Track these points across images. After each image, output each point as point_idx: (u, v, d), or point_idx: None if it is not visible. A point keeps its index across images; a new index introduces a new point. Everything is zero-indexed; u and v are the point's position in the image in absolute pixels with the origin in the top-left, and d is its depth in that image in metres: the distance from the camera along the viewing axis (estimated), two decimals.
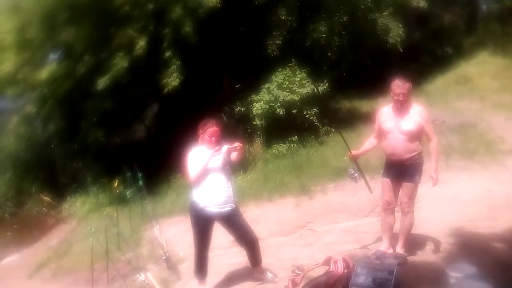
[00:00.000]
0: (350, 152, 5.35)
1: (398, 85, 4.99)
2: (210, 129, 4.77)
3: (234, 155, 4.91)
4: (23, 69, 11.17)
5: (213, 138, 4.77)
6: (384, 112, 5.22)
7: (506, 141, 10.05)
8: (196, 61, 12.72)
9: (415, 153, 5.04)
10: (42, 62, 11.79)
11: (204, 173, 4.72)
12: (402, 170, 5.09)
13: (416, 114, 5.02)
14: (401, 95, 4.95)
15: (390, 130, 5.08)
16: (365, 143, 5.46)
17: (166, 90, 10.65)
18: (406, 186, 5.14)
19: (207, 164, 4.69)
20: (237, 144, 4.86)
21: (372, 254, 5.44)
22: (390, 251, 5.38)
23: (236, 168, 5.19)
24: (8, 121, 14.67)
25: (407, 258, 5.28)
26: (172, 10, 10.44)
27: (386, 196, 5.33)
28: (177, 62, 10.63)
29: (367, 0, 13.01)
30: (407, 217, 5.26)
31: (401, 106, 5.02)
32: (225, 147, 4.81)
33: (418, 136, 5.04)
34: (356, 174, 5.37)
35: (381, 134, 5.24)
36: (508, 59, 17.32)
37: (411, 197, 5.20)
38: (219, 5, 10.67)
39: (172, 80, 10.51)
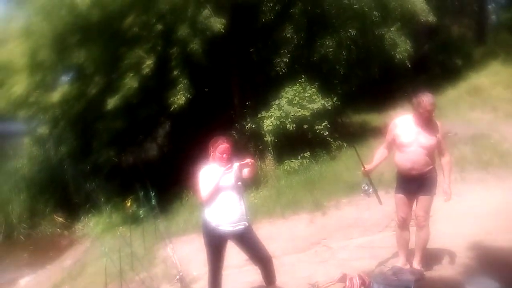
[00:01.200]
0: (364, 168, 5.29)
1: (429, 100, 4.91)
2: (221, 146, 4.73)
3: (246, 172, 4.86)
4: (35, 92, 11.30)
5: (225, 155, 4.72)
6: (400, 125, 5.13)
7: None
8: (206, 79, 12.83)
9: (431, 167, 5.02)
10: (54, 84, 11.96)
11: (216, 192, 4.68)
12: (420, 184, 5.04)
13: (435, 129, 5.00)
14: (430, 111, 4.90)
15: (410, 144, 5.00)
16: (376, 155, 5.37)
17: (172, 108, 10.77)
18: (423, 200, 5.08)
19: (218, 183, 4.65)
20: (248, 160, 4.82)
21: (389, 270, 5.35)
22: (407, 266, 5.30)
23: (248, 185, 5.14)
24: (21, 143, 14.86)
25: (424, 273, 5.19)
26: (180, 29, 10.58)
27: (402, 213, 5.25)
28: (184, 81, 10.77)
29: (374, 14, 13.03)
30: (423, 232, 5.19)
31: (428, 121, 4.97)
32: (236, 164, 4.79)
33: (434, 151, 5.03)
34: (370, 190, 5.31)
35: (395, 147, 5.17)
36: None
37: (428, 210, 5.14)
38: (223, 31, 10.81)
39: (179, 98, 10.62)
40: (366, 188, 5.32)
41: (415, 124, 5.02)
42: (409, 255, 5.35)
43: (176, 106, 10.69)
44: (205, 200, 4.75)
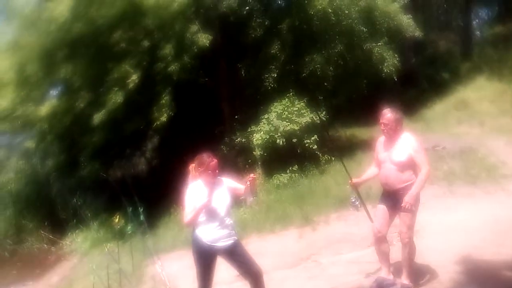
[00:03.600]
0: (351, 180, 5.32)
1: (383, 115, 5.00)
2: (212, 163, 4.64)
3: (246, 189, 4.77)
4: (22, 105, 11.23)
5: (212, 172, 4.65)
6: (380, 142, 5.22)
7: (508, 165, 10.01)
8: (194, 93, 12.85)
9: (408, 183, 4.95)
10: (42, 98, 11.88)
11: (199, 215, 4.57)
12: (396, 201, 5.02)
13: (406, 144, 4.97)
14: (384, 125, 4.98)
15: (384, 161, 5.08)
16: (367, 172, 5.42)
17: (155, 125, 10.83)
18: (403, 216, 5.04)
19: (203, 207, 4.53)
20: (251, 176, 4.76)
21: (374, 282, 5.36)
22: (391, 277, 5.31)
23: (237, 200, 5.11)
24: (7, 157, 14.71)
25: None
26: (165, 47, 10.64)
27: (377, 224, 5.24)
28: (166, 97, 10.81)
29: (362, 30, 13.17)
30: (407, 248, 5.17)
31: (389, 136, 5.03)
32: (226, 180, 4.76)
33: (410, 166, 4.97)
34: (357, 203, 5.33)
35: (378, 164, 5.24)
36: (505, 83, 17.45)
37: (410, 226, 5.08)
38: (208, 45, 10.93)
39: (161, 114, 10.64)
40: (354, 201, 5.36)
41: (385, 140, 5.11)
42: (395, 269, 5.34)
43: (158, 122, 10.77)
44: (186, 224, 4.67)
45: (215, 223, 4.66)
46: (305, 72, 12.98)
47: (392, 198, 5.08)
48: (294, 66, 13.26)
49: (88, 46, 10.71)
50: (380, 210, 5.22)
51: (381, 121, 5.00)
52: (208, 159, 4.65)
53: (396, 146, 4.99)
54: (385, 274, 5.35)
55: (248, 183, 4.72)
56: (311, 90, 13.14)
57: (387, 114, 4.98)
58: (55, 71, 11.10)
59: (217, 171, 4.69)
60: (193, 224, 4.65)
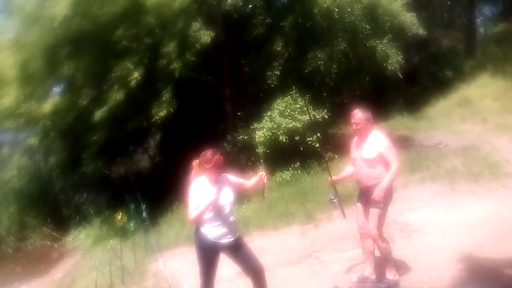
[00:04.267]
0: (331, 178, 5.47)
1: (354, 115, 5.19)
2: (219, 159, 4.62)
3: (251, 183, 4.89)
4: (25, 103, 11.26)
5: (217, 168, 4.64)
6: (354, 142, 5.39)
7: (511, 163, 9.98)
8: (197, 90, 12.84)
9: (379, 180, 5.07)
10: (45, 95, 11.89)
11: (205, 213, 4.57)
12: (367, 197, 5.16)
13: (376, 142, 5.11)
14: (355, 124, 5.16)
15: (355, 158, 5.27)
16: (345, 170, 5.60)
17: (154, 120, 10.87)
18: (371, 212, 5.17)
19: (210, 205, 4.52)
20: (261, 174, 4.79)
21: (355, 280, 5.45)
22: (373, 277, 5.38)
23: (240, 197, 5.14)
24: (11, 154, 14.73)
25: (395, 282, 5.27)
26: (167, 45, 10.65)
27: (359, 221, 5.43)
28: (167, 95, 10.81)
29: (365, 27, 13.14)
30: (377, 244, 5.27)
31: (359, 135, 5.22)
32: (230, 177, 4.77)
33: (380, 163, 5.08)
34: (335, 200, 5.44)
35: (352, 162, 5.40)
36: (509, 81, 17.41)
37: (375, 223, 5.16)
38: (210, 43, 11.00)
39: (161, 110, 10.65)
40: (332, 197, 5.46)
41: (357, 139, 5.30)
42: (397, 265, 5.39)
43: (158, 118, 10.75)
44: (193, 221, 4.66)
45: (220, 220, 4.66)
46: (308, 69, 12.96)
47: (364, 194, 5.25)
48: (297, 64, 13.24)
49: (91, 43, 10.72)
50: (359, 207, 5.39)
51: (352, 121, 5.19)
52: (215, 155, 4.64)
53: (366, 144, 5.15)
54: (368, 273, 5.43)
55: (257, 178, 4.78)
56: (314, 87, 13.14)
57: (358, 114, 5.18)
58: (58, 69, 11.12)
59: (221, 168, 4.70)
60: (199, 221, 4.64)
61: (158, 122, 10.91)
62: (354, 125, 5.19)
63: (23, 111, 11.40)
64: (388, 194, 5.13)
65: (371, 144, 5.11)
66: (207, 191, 4.59)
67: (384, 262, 5.34)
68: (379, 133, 5.21)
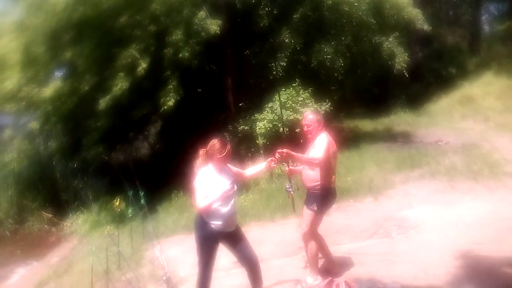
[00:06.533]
0: (288, 168, 5.49)
1: (305, 117, 5.25)
2: (223, 147, 4.61)
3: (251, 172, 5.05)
4: (27, 86, 11.23)
5: (226, 157, 4.65)
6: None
7: (511, 162, 9.97)
8: (200, 79, 12.80)
9: (316, 183, 5.13)
10: (46, 79, 11.87)
11: (217, 201, 4.58)
12: (305, 197, 5.29)
13: (318, 144, 5.11)
14: (306, 126, 5.20)
15: None
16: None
17: (162, 109, 10.79)
18: (303, 212, 5.28)
19: (223, 196, 4.54)
20: (284, 151, 4.82)
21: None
22: (317, 282, 5.36)
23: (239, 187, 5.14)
24: (11, 138, 14.72)
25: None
26: (173, 32, 10.58)
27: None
28: (174, 83, 10.77)
29: (372, 22, 13.08)
30: (304, 242, 5.37)
31: (310, 136, 5.22)
32: (232, 167, 4.77)
33: (318, 166, 5.07)
34: (291, 190, 5.46)
35: None
36: None
37: (307, 223, 5.24)
38: (219, 33, 10.87)
39: (168, 99, 10.61)
40: (288, 187, 5.48)
41: (309, 141, 5.29)
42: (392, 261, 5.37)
43: (166, 107, 10.72)
44: (202, 211, 4.62)
45: (225, 209, 4.66)
46: (314, 63, 12.91)
47: (306, 195, 5.31)
48: (302, 56, 13.19)
49: (94, 29, 10.65)
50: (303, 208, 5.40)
51: (303, 122, 5.22)
52: (227, 145, 4.65)
53: (313, 146, 5.17)
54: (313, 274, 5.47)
55: (271, 160, 4.91)
56: (319, 80, 13.10)
57: (309, 115, 5.24)
58: (61, 53, 11.05)
59: (229, 157, 4.72)
60: (208, 210, 4.61)
61: (167, 111, 10.85)
62: (305, 126, 5.22)
63: (24, 94, 11.39)
64: (325, 197, 5.19)
65: (314, 146, 5.13)
66: (215, 180, 4.58)
67: (309, 263, 5.43)
68: (326, 135, 5.19)
